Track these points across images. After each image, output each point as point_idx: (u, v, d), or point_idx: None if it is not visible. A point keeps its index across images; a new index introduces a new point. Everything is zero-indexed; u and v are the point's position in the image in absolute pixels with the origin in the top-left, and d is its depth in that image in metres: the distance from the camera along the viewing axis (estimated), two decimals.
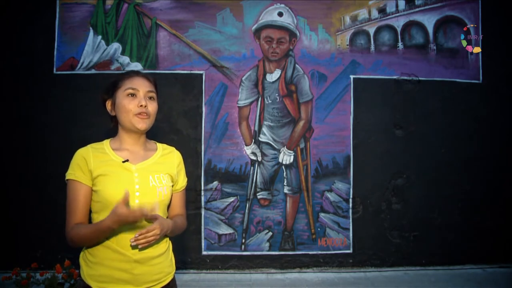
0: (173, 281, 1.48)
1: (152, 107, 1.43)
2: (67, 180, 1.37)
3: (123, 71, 3.51)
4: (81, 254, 1.40)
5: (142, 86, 1.41)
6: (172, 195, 1.51)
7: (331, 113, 3.74)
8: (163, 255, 1.42)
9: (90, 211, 1.40)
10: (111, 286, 1.32)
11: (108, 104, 1.46)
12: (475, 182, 3.81)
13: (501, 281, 3.43)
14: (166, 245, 1.46)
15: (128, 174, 1.37)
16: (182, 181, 1.55)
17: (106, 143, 1.44)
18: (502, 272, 3.67)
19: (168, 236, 1.49)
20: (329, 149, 3.72)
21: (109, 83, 1.46)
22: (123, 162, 1.38)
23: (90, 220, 1.40)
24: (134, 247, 1.31)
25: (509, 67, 3.88)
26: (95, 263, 1.34)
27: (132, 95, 1.40)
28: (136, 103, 1.39)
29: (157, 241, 1.37)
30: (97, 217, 1.36)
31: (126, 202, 1.24)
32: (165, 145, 1.55)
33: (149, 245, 1.31)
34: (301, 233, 3.69)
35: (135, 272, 1.33)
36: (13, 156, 3.53)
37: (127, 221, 1.25)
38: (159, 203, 1.37)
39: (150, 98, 1.44)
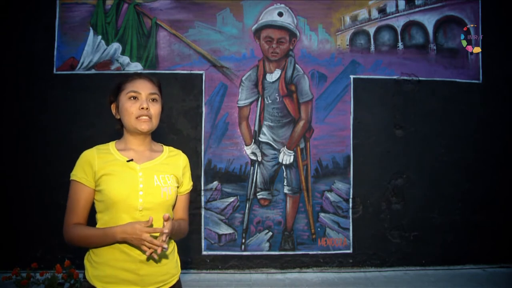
0: (178, 283, 1.46)
1: (155, 109, 1.43)
2: (70, 180, 1.38)
3: (125, 71, 3.53)
4: (86, 255, 1.40)
5: (144, 89, 1.41)
6: (176, 197, 1.51)
7: (331, 113, 3.74)
8: (168, 256, 1.42)
9: (95, 212, 1.40)
10: (117, 287, 1.32)
11: (113, 108, 1.47)
12: (475, 182, 3.81)
13: (501, 281, 3.43)
14: (171, 246, 1.45)
15: (132, 173, 1.37)
16: (187, 184, 1.54)
17: (111, 144, 1.45)
18: (502, 272, 3.67)
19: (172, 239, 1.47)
20: (329, 149, 3.72)
21: (114, 86, 1.47)
22: (128, 161, 1.38)
23: (95, 220, 1.40)
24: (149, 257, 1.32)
25: (509, 67, 3.88)
26: (100, 264, 1.33)
27: (134, 97, 1.40)
28: (138, 105, 1.39)
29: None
30: (102, 217, 1.37)
31: (149, 225, 1.26)
32: (171, 148, 1.55)
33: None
34: (301, 233, 3.69)
35: (141, 273, 1.32)
36: (13, 156, 3.53)
37: (135, 237, 1.24)
38: (163, 207, 1.37)
39: (153, 100, 1.43)
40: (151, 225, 1.27)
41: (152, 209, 1.35)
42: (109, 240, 1.30)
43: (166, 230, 1.25)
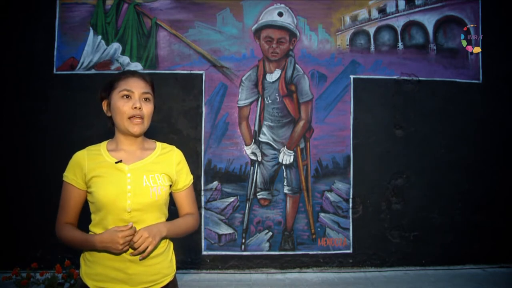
0: (172, 283, 1.44)
1: (147, 108, 1.39)
2: (62, 180, 1.39)
3: (121, 71, 3.52)
4: (82, 253, 1.41)
5: (137, 87, 1.38)
6: (175, 195, 1.50)
7: (331, 113, 3.74)
8: (161, 256, 1.39)
9: (90, 212, 1.40)
10: (107, 285, 1.32)
11: (104, 105, 1.44)
12: (475, 182, 3.81)
13: (501, 281, 3.43)
14: (165, 245, 1.42)
15: (120, 175, 1.35)
16: (185, 180, 1.50)
17: (103, 145, 1.43)
18: (502, 272, 3.67)
19: (169, 238, 1.45)
20: (329, 149, 3.72)
21: (106, 83, 1.43)
22: (116, 163, 1.36)
23: (90, 220, 1.40)
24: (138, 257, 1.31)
25: (509, 67, 3.88)
26: (93, 262, 1.34)
27: (127, 96, 1.37)
28: (130, 105, 1.36)
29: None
30: (94, 218, 1.37)
31: (128, 229, 1.26)
32: (165, 144, 1.52)
33: (152, 249, 1.31)
34: (301, 233, 3.69)
35: (129, 272, 1.32)
36: (13, 156, 3.53)
37: (113, 245, 1.24)
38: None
39: (146, 99, 1.40)
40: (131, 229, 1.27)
41: (142, 209, 1.34)
42: (89, 248, 1.32)
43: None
